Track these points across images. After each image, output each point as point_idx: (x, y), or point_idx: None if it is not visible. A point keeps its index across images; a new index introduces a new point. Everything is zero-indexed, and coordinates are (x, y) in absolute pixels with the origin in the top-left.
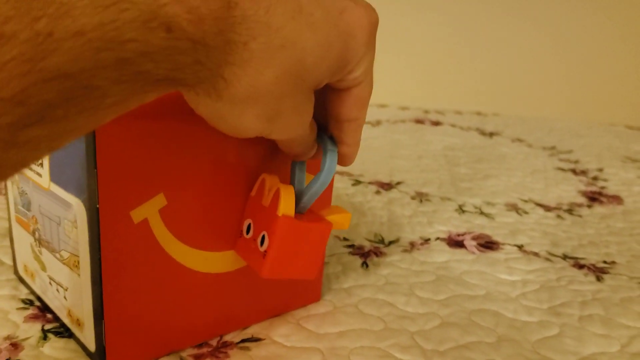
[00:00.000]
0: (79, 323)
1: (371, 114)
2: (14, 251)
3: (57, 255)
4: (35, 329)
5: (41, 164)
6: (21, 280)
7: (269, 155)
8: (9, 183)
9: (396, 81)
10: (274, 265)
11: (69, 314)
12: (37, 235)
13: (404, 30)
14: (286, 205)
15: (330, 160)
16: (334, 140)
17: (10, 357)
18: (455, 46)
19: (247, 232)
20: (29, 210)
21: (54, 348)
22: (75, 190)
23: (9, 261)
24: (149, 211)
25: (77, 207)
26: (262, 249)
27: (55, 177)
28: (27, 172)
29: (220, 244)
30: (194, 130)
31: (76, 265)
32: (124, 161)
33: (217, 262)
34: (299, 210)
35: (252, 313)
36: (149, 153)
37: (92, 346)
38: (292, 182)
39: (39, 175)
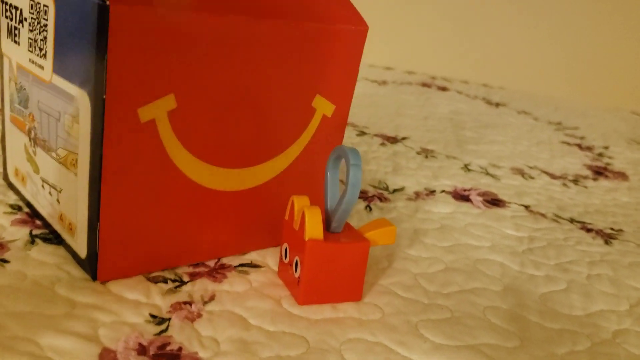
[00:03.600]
0: (70, 227)
1: (377, 74)
2: (5, 155)
3: (54, 154)
4: (22, 232)
5: (44, 55)
6: (10, 186)
7: (289, 78)
8: (5, 80)
9: (403, 45)
10: (309, 292)
11: (61, 219)
12: (32, 134)
13: None
14: (312, 229)
15: (354, 174)
16: (356, 154)
17: None
18: (465, 17)
19: (285, 256)
20: (26, 107)
21: (41, 252)
22: (80, 81)
23: None
24: (158, 111)
25: (81, 99)
26: (296, 275)
27: (58, 69)
28: (28, 65)
29: (228, 159)
30: (218, 32)
31: (73, 164)
32: (137, 52)
33: (223, 178)
34: (333, 230)
35: (251, 239)
36: (165, 47)
37: (83, 252)
38: (325, 195)
39: (41, 67)
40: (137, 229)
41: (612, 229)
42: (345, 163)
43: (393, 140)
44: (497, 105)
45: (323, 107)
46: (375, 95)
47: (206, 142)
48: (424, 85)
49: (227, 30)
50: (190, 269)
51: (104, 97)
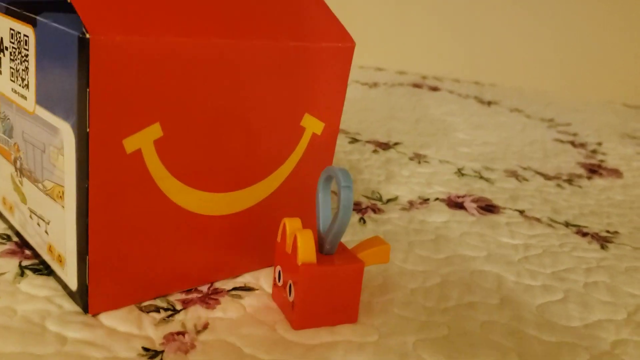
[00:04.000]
0: (60, 259)
1: (368, 76)
2: None
3: (40, 185)
4: (12, 264)
5: (27, 86)
6: None
7: (277, 98)
8: None
9: (394, 45)
10: (304, 315)
11: (50, 250)
12: (18, 164)
13: None
14: (305, 253)
15: (345, 197)
16: (346, 175)
17: None
18: (454, 14)
19: (279, 279)
20: (10, 137)
21: (31, 285)
22: (63, 113)
23: None
24: (143, 141)
25: (65, 132)
26: (290, 299)
27: (41, 100)
28: (11, 94)
29: (216, 184)
30: (200, 57)
31: (60, 196)
32: (119, 82)
33: (213, 203)
34: (326, 252)
35: (244, 261)
36: (147, 75)
37: (73, 284)
38: (317, 217)
39: (24, 97)
40: (127, 259)
41: (607, 231)
42: (336, 183)
43: (385, 146)
44: (489, 103)
45: (312, 125)
46: (366, 99)
47: (194, 168)
48: (415, 86)
49: (210, 54)
50: (183, 296)
51: (88, 130)
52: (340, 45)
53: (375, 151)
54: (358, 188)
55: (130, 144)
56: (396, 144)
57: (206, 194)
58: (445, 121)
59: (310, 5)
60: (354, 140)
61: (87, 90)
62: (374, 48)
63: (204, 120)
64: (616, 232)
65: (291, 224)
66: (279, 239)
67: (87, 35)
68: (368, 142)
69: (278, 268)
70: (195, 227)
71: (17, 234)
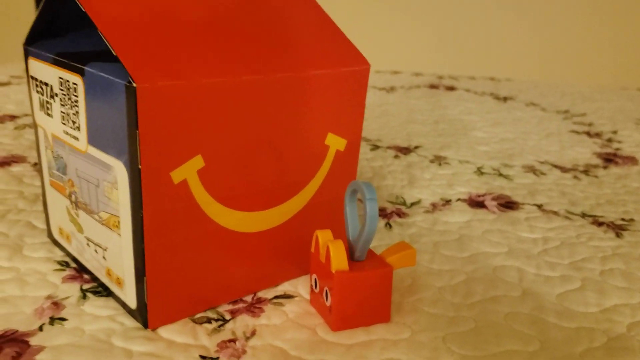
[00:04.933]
0: (119, 282)
1: (385, 80)
2: (48, 215)
3: (96, 216)
4: (74, 288)
5: (78, 128)
6: (55, 243)
7: (302, 122)
8: (42, 148)
9: (409, 48)
10: (341, 318)
11: (108, 273)
12: (73, 197)
13: None
14: (337, 261)
15: (371, 208)
16: (370, 188)
17: (53, 315)
18: (466, 11)
19: (316, 286)
20: (64, 174)
21: (94, 306)
22: (115, 152)
23: (41, 225)
24: (188, 172)
25: (117, 169)
26: (327, 304)
27: (93, 140)
28: (63, 136)
29: (254, 204)
30: (234, 93)
31: (116, 226)
32: (164, 122)
33: (250, 221)
34: (357, 259)
35: (282, 271)
36: (188, 113)
37: (133, 303)
38: (346, 227)
39: (76, 138)
40: (180, 277)
41: (623, 219)
42: (361, 195)
43: (406, 150)
44: (505, 99)
45: (335, 143)
46: (385, 104)
47: (234, 191)
48: (432, 87)
49: (241, 90)
50: (230, 306)
51: (140, 167)
52: (356, 68)
53: (396, 156)
54: (382, 194)
55: (177, 175)
56: (417, 147)
57: (245, 214)
58: (463, 120)
59: (327, 33)
60: (375, 147)
61: (137, 131)
62: (389, 51)
63: (239, 148)
64: (632, 220)
65: (323, 236)
66: (312, 249)
67: (134, 84)
68: (389, 147)
69: (314, 276)
70: (237, 244)
71: (75, 260)
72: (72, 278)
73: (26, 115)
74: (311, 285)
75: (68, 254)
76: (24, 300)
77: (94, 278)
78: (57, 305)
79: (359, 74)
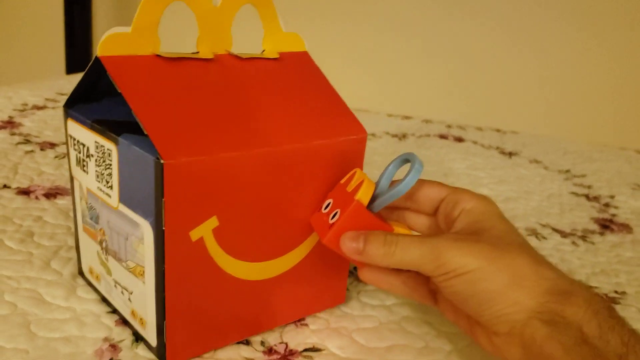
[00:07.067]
0: (142, 322)
1: (396, 125)
2: (80, 254)
3: (124, 264)
4: (126, 332)
5: (111, 187)
6: (86, 280)
7: (306, 184)
8: (76, 198)
9: (420, 93)
10: (336, 236)
11: (133, 314)
12: (104, 245)
13: (427, 42)
14: (364, 194)
15: (413, 176)
16: (421, 163)
17: (112, 358)
18: (478, 63)
19: (326, 208)
20: (97, 223)
21: (146, 350)
22: (143, 213)
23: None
24: (204, 231)
25: (144, 227)
26: (331, 221)
27: (124, 199)
28: (97, 191)
29: (265, 254)
30: (247, 164)
31: (141, 274)
32: (186, 191)
33: (264, 270)
34: (372, 208)
35: (287, 313)
36: (206, 182)
37: (153, 341)
38: (378, 179)
39: (108, 195)
40: (195, 319)
41: (615, 291)
42: (410, 165)
43: None
44: (510, 155)
45: None
46: (397, 152)
47: (246, 246)
48: (441, 137)
49: (253, 161)
50: (266, 357)
51: (164, 228)
52: (355, 137)
53: None
54: None
55: (195, 234)
56: None
57: (257, 264)
58: (470, 175)
59: (330, 105)
60: None
61: (162, 199)
62: (402, 97)
63: (250, 210)
64: (624, 293)
65: (360, 174)
66: (343, 181)
67: (162, 161)
68: None
69: (329, 200)
70: (252, 291)
71: (104, 298)
72: (123, 322)
73: (64, 143)
74: (321, 207)
75: (97, 292)
76: (85, 341)
77: (120, 316)
78: (114, 347)
79: (357, 142)
